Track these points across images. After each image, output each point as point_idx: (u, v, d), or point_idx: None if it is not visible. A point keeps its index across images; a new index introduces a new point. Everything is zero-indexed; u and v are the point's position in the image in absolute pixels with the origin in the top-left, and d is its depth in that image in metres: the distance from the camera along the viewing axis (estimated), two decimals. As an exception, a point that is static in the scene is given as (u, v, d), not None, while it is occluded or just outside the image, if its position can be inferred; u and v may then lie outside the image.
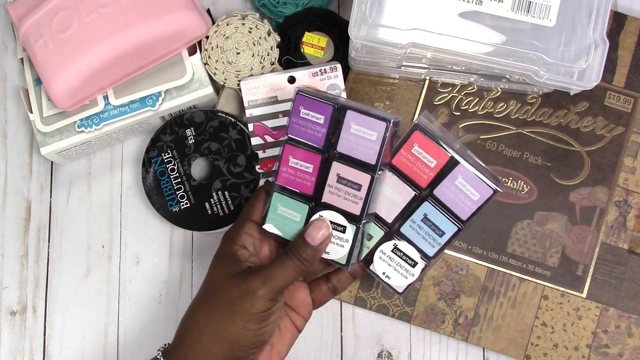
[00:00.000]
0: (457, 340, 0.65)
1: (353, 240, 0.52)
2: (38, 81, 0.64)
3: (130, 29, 0.59)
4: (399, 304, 0.64)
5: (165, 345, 0.55)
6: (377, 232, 0.56)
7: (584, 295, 0.64)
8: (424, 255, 0.55)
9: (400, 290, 0.56)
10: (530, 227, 0.64)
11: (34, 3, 0.61)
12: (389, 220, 0.55)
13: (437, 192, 0.54)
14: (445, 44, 0.57)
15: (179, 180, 0.64)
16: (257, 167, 0.63)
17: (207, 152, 0.64)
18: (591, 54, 0.57)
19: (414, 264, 0.54)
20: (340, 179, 0.52)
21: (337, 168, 0.52)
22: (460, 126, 0.66)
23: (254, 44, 0.65)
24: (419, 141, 0.54)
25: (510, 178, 0.65)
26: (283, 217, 0.53)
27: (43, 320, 0.67)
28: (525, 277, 0.64)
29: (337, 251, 0.53)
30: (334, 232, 0.52)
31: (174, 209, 0.64)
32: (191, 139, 0.64)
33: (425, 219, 0.54)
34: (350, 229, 0.52)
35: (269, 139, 0.64)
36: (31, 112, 0.64)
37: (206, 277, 0.55)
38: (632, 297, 0.64)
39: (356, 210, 0.52)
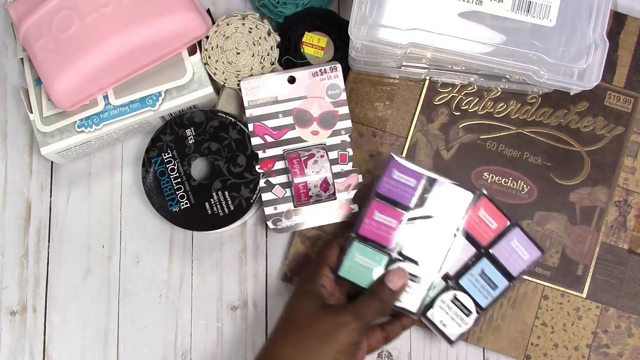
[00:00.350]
0: (457, 340, 0.65)
1: (426, 292, 0.59)
2: (38, 81, 0.64)
3: (130, 29, 0.59)
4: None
5: None
6: (440, 284, 0.60)
7: (584, 295, 0.64)
8: (478, 306, 0.60)
9: (454, 339, 0.60)
10: (530, 227, 0.64)
11: (34, 3, 0.61)
12: (451, 272, 0.61)
13: (495, 250, 0.61)
14: (445, 44, 0.57)
15: (179, 180, 0.64)
16: (257, 167, 0.63)
17: (207, 152, 0.64)
18: (591, 54, 0.57)
19: (468, 314, 0.60)
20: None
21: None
22: (460, 126, 0.66)
23: (254, 44, 0.65)
24: (485, 206, 0.60)
25: (510, 178, 0.65)
26: (360, 265, 0.59)
27: (43, 320, 0.67)
28: (525, 277, 0.64)
29: (410, 301, 0.59)
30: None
31: (174, 209, 0.64)
32: (191, 139, 0.64)
33: (483, 274, 0.60)
34: (425, 282, 0.59)
35: (269, 139, 0.64)
36: (31, 112, 0.63)
37: (288, 311, 0.57)
38: (632, 297, 0.64)
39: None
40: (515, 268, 0.61)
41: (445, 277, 0.60)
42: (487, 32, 0.58)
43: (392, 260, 0.59)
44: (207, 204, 0.63)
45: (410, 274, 0.59)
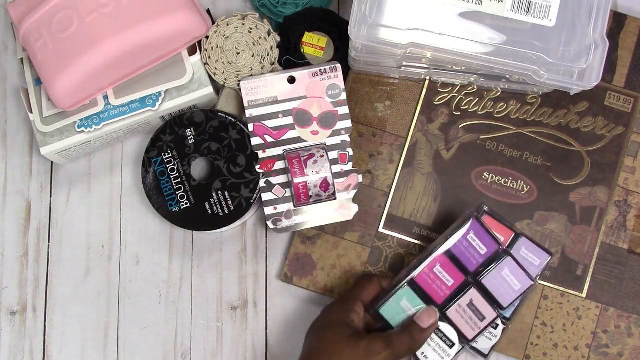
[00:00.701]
0: (457, 340, 0.65)
1: (454, 357, 0.58)
2: (38, 81, 0.64)
3: (130, 29, 0.59)
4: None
5: None
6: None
7: (584, 295, 0.64)
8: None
9: (486, 352, 0.60)
10: (530, 227, 0.64)
11: (34, 3, 0.61)
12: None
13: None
14: (445, 44, 0.57)
15: (179, 180, 0.64)
16: (257, 167, 0.63)
17: (207, 152, 0.64)
18: (591, 54, 0.57)
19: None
20: (470, 305, 0.58)
21: (473, 294, 0.58)
22: (460, 126, 0.66)
23: (254, 44, 0.65)
24: (489, 223, 0.60)
25: (510, 178, 0.65)
26: (402, 309, 0.58)
27: (43, 320, 0.67)
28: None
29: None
30: (440, 344, 0.58)
31: (174, 209, 0.64)
32: (191, 139, 0.64)
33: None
34: (457, 348, 0.58)
35: (269, 139, 0.64)
36: (31, 112, 0.63)
37: (318, 338, 0.57)
38: (632, 297, 0.64)
39: (471, 335, 0.59)
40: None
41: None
42: (487, 32, 0.58)
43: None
44: (207, 204, 0.63)
45: (447, 337, 0.59)
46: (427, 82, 0.66)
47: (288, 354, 0.66)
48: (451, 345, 0.58)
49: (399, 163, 0.65)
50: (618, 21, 0.66)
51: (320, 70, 0.64)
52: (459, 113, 0.66)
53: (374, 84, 0.66)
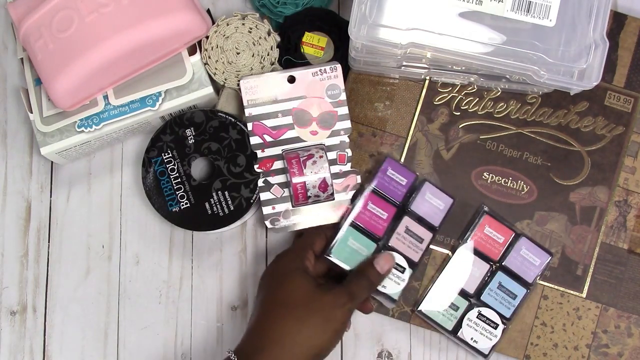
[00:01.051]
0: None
1: (408, 281, 0.63)
2: (38, 81, 0.64)
3: (131, 29, 0.59)
4: (400, 304, 0.64)
5: (230, 352, 0.55)
6: (462, 303, 0.63)
7: (584, 295, 0.64)
8: (502, 317, 0.63)
9: (487, 352, 0.63)
10: (530, 227, 0.64)
11: (34, 3, 0.61)
12: (472, 291, 0.63)
13: (507, 262, 0.63)
14: (445, 44, 0.57)
15: (179, 180, 0.64)
16: (256, 166, 0.63)
17: (207, 152, 0.64)
18: (591, 54, 0.57)
19: (495, 326, 0.63)
20: (407, 231, 0.63)
21: (407, 222, 0.63)
22: (460, 126, 0.66)
23: (254, 44, 0.65)
24: (489, 223, 0.63)
25: (510, 178, 0.65)
26: (351, 249, 0.62)
27: (43, 320, 0.67)
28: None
29: (393, 287, 0.62)
30: (394, 271, 0.62)
31: (174, 209, 0.64)
32: (191, 139, 0.64)
33: (500, 286, 0.63)
34: (408, 272, 0.62)
35: (268, 139, 0.64)
36: (31, 112, 0.63)
37: (280, 285, 0.58)
38: (631, 297, 0.64)
39: (416, 257, 0.63)
40: (530, 275, 0.63)
41: (467, 296, 0.63)
42: (487, 32, 0.58)
43: (379, 248, 0.63)
44: (207, 204, 0.63)
45: (397, 263, 0.62)
46: (427, 82, 0.66)
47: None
48: (402, 270, 0.62)
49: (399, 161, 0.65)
50: (618, 21, 0.66)
51: (320, 70, 0.64)
52: (459, 113, 0.66)
53: (374, 84, 0.66)
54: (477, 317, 0.63)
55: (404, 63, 0.62)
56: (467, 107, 0.66)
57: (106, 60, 0.59)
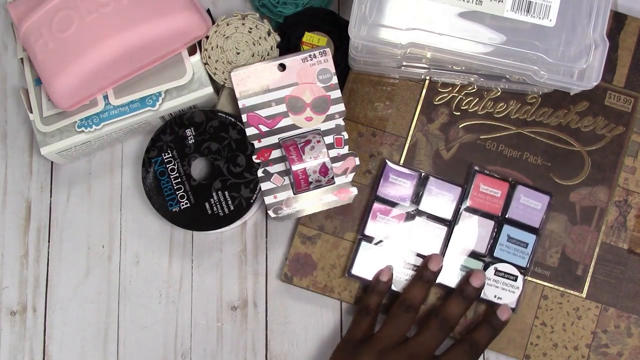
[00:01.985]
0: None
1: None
2: (38, 81, 0.64)
3: (131, 29, 0.59)
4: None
5: None
6: (477, 264, 0.63)
7: (584, 295, 0.64)
8: (519, 268, 0.63)
9: (513, 306, 0.63)
10: (530, 227, 0.65)
11: (34, 3, 0.61)
12: (483, 251, 0.64)
13: (510, 214, 0.64)
14: (445, 44, 0.57)
15: (179, 180, 0.64)
16: (254, 157, 0.63)
17: (207, 152, 0.64)
18: (591, 54, 0.57)
19: (515, 278, 0.63)
20: (424, 220, 0.64)
21: (417, 222, 0.64)
22: (460, 126, 0.66)
23: (254, 44, 0.65)
24: (484, 181, 0.64)
25: (510, 178, 0.65)
26: (369, 262, 0.64)
27: (43, 320, 0.67)
28: (525, 276, 0.64)
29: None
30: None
31: (174, 209, 0.64)
32: (191, 139, 0.64)
33: (510, 238, 0.64)
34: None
35: (264, 128, 0.64)
36: (31, 112, 0.64)
37: None
38: (631, 297, 0.64)
39: (436, 249, 0.64)
40: (535, 220, 0.64)
41: (480, 257, 0.63)
42: (487, 32, 0.58)
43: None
44: (207, 204, 0.63)
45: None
46: (427, 82, 0.66)
47: (288, 354, 0.66)
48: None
49: (398, 163, 0.65)
50: (618, 21, 0.66)
51: (310, 55, 0.64)
52: (459, 113, 0.66)
53: (374, 84, 0.66)
54: (495, 275, 0.63)
55: (404, 63, 0.62)
56: (467, 107, 0.66)
57: (106, 60, 0.59)
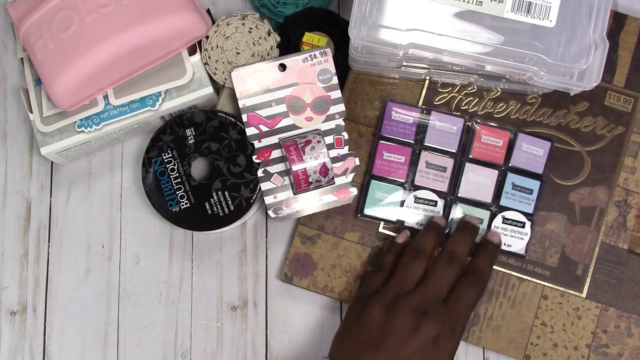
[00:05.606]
0: (457, 340, 0.65)
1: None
2: (38, 81, 0.64)
3: (131, 29, 0.59)
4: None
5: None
6: (484, 214, 0.64)
7: (584, 295, 0.64)
8: (526, 214, 0.64)
9: (523, 252, 0.64)
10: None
11: (34, 3, 0.61)
12: (489, 200, 0.64)
13: (513, 162, 0.64)
14: (445, 44, 0.57)
15: (179, 180, 0.64)
16: (254, 157, 0.63)
17: (207, 152, 0.64)
18: (591, 54, 0.57)
19: (523, 225, 0.64)
20: (428, 165, 0.64)
21: (425, 156, 0.64)
22: (460, 126, 0.66)
23: (254, 44, 0.65)
24: (485, 131, 0.65)
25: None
26: (379, 201, 0.64)
27: (43, 320, 0.67)
28: (525, 277, 0.64)
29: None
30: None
31: (174, 209, 0.64)
32: (191, 139, 0.64)
33: (515, 186, 0.64)
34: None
35: (264, 128, 0.64)
36: (31, 112, 0.64)
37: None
38: (631, 297, 0.64)
39: (444, 187, 0.64)
40: (538, 166, 0.64)
41: (487, 207, 0.64)
42: (487, 32, 0.58)
43: (407, 192, 0.65)
44: (207, 204, 0.64)
45: (427, 200, 0.64)
46: (427, 82, 0.66)
47: (288, 354, 0.66)
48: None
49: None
50: (618, 21, 0.66)
51: (310, 55, 0.64)
52: (459, 113, 0.66)
53: (374, 84, 0.66)
54: (502, 223, 0.64)
55: (404, 63, 0.62)
56: (467, 107, 0.66)
57: (106, 60, 0.59)
